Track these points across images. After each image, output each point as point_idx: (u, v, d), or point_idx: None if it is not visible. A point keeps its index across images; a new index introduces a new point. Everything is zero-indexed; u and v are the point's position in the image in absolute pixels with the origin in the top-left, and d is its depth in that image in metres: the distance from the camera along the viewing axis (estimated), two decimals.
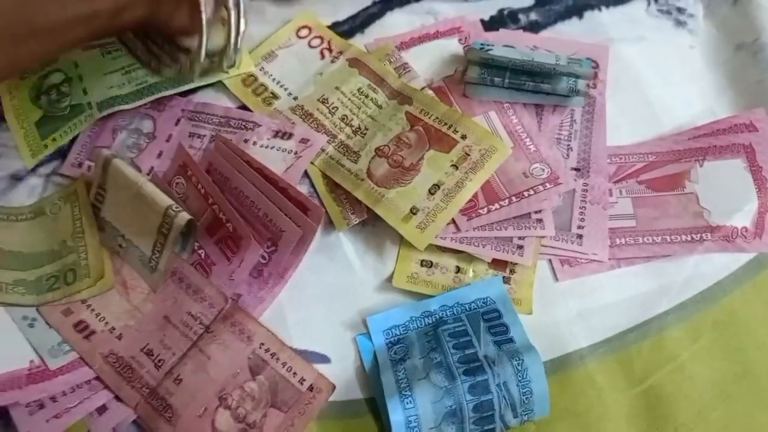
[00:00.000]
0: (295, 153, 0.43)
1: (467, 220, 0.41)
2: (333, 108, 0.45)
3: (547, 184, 0.42)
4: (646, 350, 0.39)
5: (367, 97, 0.46)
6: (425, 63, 0.48)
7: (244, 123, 0.45)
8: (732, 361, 0.39)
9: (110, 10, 0.35)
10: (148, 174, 0.44)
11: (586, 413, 0.38)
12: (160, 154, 0.45)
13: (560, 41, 0.50)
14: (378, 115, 0.45)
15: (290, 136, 0.44)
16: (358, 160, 0.43)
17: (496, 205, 0.41)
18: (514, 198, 0.41)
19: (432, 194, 0.41)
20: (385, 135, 0.44)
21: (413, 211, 0.40)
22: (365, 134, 0.44)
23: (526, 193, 0.41)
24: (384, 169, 0.42)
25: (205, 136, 0.45)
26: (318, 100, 0.46)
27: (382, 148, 0.43)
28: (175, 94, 0.46)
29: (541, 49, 0.49)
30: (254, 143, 0.44)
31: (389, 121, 0.44)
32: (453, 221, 0.41)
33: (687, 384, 0.38)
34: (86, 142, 0.46)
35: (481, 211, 0.41)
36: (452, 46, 0.49)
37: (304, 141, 0.44)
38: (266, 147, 0.44)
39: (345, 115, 0.45)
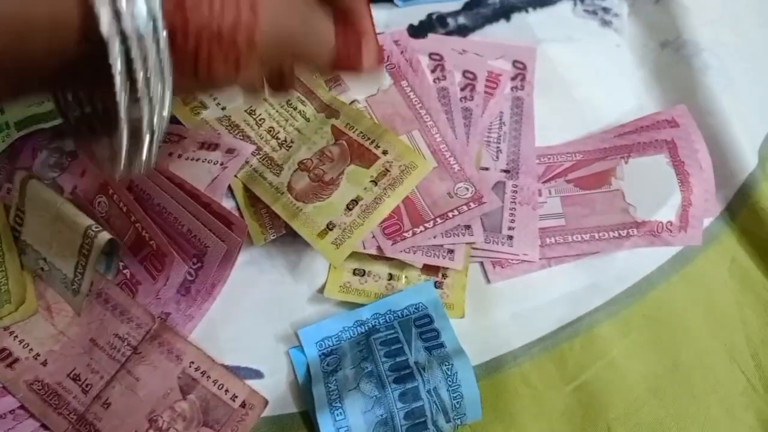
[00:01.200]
0: (221, 164, 0.42)
1: (392, 244, 0.40)
2: (260, 120, 0.45)
3: (472, 204, 0.42)
4: (577, 347, 0.40)
5: (295, 109, 0.45)
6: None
7: (168, 136, 0.44)
8: (661, 355, 0.40)
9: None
10: (71, 193, 0.43)
11: (521, 413, 0.38)
12: (83, 173, 0.43)
13: (488, 44, 0.50)
14: (305, 128, 0.44)
15: (216, 147, 0.43)
16: (281, 173, 0.42)
17: (421, 227, 0.41)
18: (438, 219, 0.41)
19: (350, 210, 0.40)
20: (309, 148, 0.43)
21: (329, 226, 0.40)
22: (290, 147, 0.44)
23: (450, 214, 0.41)
24: (304, 183, 0.42)
25: None
26: (246, 111, 0.45)
27: (305, 161, 0.42)
28: None
29: (469, 52, 0.49)
30: (179, 156, 0.43)
31: (315, 135, 0.44)
32: (378, 247, 0.40)
33: (618, 379, 0.39)
34: (5, 163, 0.44)
35: (406, 234, 0.41)
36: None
37: (230, 151, 0.43)
38: (192, 159, 0.43)
39: (272, 127, 0.44)
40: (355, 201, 0.40)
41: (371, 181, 0.41)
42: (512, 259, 0.42)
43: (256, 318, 0.40)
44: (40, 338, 0.40)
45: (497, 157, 0.45)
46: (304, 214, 0.40)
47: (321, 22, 0.29)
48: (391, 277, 0.41)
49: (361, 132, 0.43)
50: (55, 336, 0.40)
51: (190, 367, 0.38)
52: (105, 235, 0.37)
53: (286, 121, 0.45)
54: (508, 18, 0.52)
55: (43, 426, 0.38)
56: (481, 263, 0.42)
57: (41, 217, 0.39)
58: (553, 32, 0.51)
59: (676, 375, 0.39)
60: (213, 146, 0.43)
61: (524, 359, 0.39)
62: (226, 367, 0.39)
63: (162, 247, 0.38)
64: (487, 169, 0.45)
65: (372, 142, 0.42)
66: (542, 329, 0.40)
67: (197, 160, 0.43)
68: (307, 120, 0.45)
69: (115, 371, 0.38)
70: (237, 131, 0.44)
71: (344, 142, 0.43)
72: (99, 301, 0.40)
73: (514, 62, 0.49)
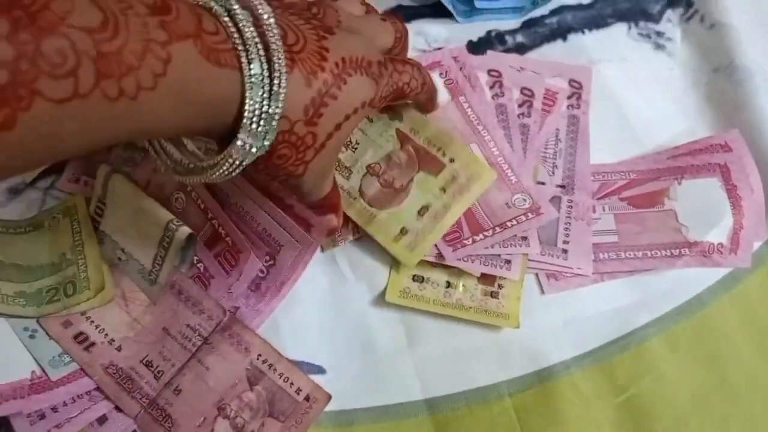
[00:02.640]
0: None
1: (453, 251, 0.42)
2: None
3: (529, 214, 0.43)
4: (627, 360, 0.41)
5: None
6: None
7: None
8: (709, 371, 0.41)
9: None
10: (145, 188, 0.45)
11: (572, 421, 0.40)
12: (155, 169, 0.45)
13: (545, 63, 0.52)
14: (369, 129, 0.46)
15: None
16: (350, 177, 0.44)
17: (481, 236, 0.43)
18: (497, 228, 0.43)
19: (421, 216, 0.42)
20: (375, 152, 0.45)
21: (403, 231, 0.42)
22: (356, 149, 0.45)
23: (509, 224, 0.43)
24: (375, 188, 0.43)
25: None
26: None
27: (373, 165, 0.44)
28: None
29: (527, 70, 0.51)
30: None
31: (380, 137, 0.45)
32: (439, 252, 0.42)
33: (667, 392, 0.40)
34: (81, 157, 0.46)
35: (466, 241, 0.43)
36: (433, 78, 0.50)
37: None
38: None
39: None
40: (425, 207, 0.42)
41: (440, 189, 0.43)
42: (566, 272, 0.43)
43: (319, 316, 0.42)
44: (115, 325, 0.42)
45: (553, 173, 0.47)
46: (379, 220, 0.42)
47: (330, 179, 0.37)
48: (448, 284, 0.43)
49: (427, 138, 0.45)
50: (130, 323, 0.42)
51: (257, 359, 0.40)
52: (185, 230, 0.39)
53: None
54: (564, 38, 0.54)
55: (117, 408, 0.40)
56: (536, 275, 0.44)
57: (122, 209, 0.42)
58: (608, 54, 0.53)
59: (722, 390, 0.41)
60: None
61: (576, 369, 0.41)
62: (291, 362, 0.41)
63: (238, 243, 0.41)
64: (543, 183, 0.46)
65: (438, 150, 0.44)
66: (593, 341, 0.42)
67: None
68: (371, 121, 0.46)
69: (186, 360, 0.40)
70: None
71: (410, 148, 0.45)
72: (172, 292, 0.42)
73: (571, 81, 0.51)
